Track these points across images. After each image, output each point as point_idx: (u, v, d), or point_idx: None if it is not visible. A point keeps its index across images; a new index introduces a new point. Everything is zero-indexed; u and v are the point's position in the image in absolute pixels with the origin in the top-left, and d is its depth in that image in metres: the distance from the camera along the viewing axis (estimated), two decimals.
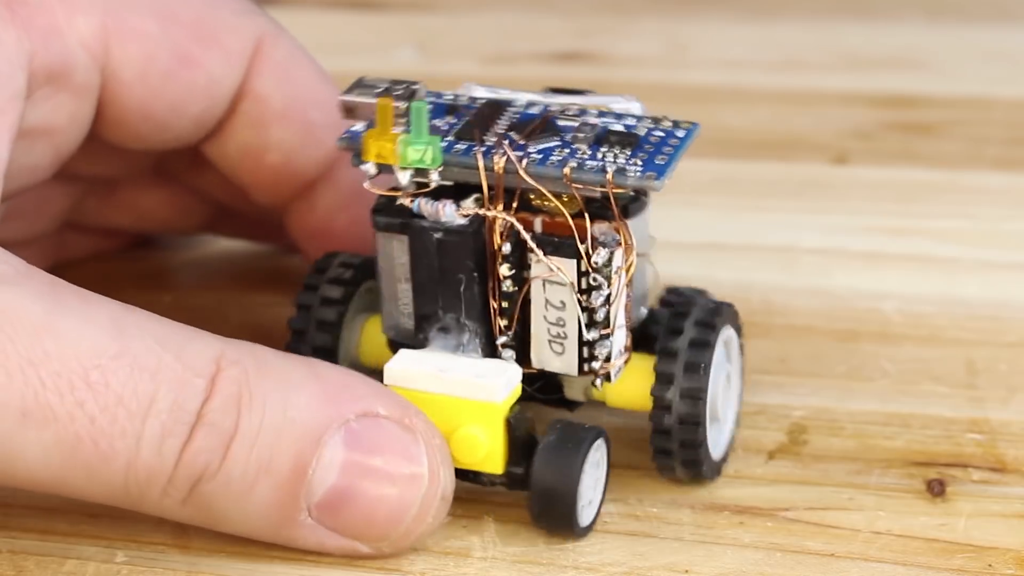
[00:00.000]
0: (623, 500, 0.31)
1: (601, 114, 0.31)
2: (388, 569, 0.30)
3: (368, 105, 0.30)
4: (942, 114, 0.51)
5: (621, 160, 0.29)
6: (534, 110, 0.31)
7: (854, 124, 0.50)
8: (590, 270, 0.29)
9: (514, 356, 0.30)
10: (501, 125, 0.30)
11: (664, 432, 0.31)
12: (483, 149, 0.29)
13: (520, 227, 0.29)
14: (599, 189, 0.29)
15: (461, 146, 0.30)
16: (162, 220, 0.40)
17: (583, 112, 0.31)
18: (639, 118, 0.31)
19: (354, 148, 0.30)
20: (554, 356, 0.31)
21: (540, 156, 0.29)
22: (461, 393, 0.29)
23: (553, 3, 0.63)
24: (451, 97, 0.32)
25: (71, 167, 0.35)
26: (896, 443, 0.33)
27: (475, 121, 0.30)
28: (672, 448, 0.31)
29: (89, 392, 0.27)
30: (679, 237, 0.42)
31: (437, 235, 0.29)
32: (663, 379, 0.31)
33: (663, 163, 0.29)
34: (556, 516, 0.30)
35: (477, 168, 0.29)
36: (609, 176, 0.29)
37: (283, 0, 0.62)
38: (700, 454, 0.31)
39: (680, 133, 0.30)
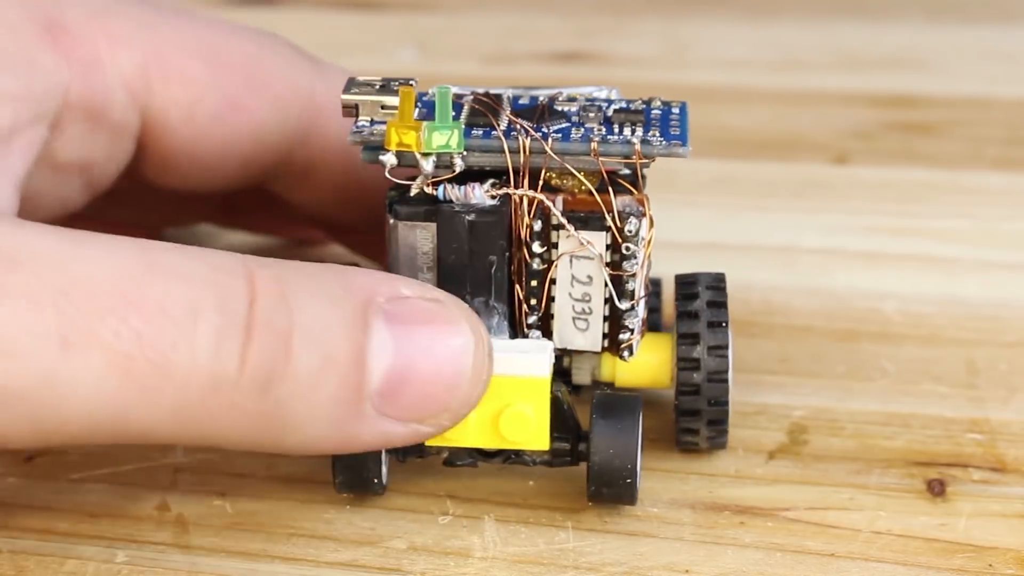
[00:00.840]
0: None
1: (590, 100, 0.31)
2: (389, 569, 0.30)
3: (373, 102, 0.30)
4: (942, 114, 0.51)
5: (640, 133, 0.30)
6: (523, 101, 0.31)
7: (854, 124, 0.51)
8: (621, 241, 0.30)
9: (540, 336, 0.31)
10: (503, 113, 0.30)
11: (692, 392, 0.31)
12: (503, 131, 0.30)
13: (550, 203, 0.29)
14: (626, 161, 0.29)
15: (478, 131, 0.30)
16: (167, 214, 0.40)
17: (573, 99, 0.31)
18: (629, 101, 0.31)
19: (365, 142, 0.30)
20: (577, 333, 0.31)
21: (560, 135, 0.30)
22: (507, 371, 0.29)
23: (553, 3, 0.63)
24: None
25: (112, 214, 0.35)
26: (896, 443, 0.33)
27: (479, 110, 0.30)
28: (700, 408, 0.31)
29: (130, 307, 0.26)
30: (679, 237, 0.42)
31: (469, 217, 0.29)
32: (689, 338, 0.31)
33: (679, 133, 0.30)
34: (619, 486, 0.30)
35: (501, 150, 0.29)
36: (637, 147, 0.29)
37: (283, 0, 0.62)
38: (727, 412, 0.32)
39: (676, 110, 0.31)
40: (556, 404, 0.30)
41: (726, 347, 0.31)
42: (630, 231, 0.30)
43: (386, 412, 0.28)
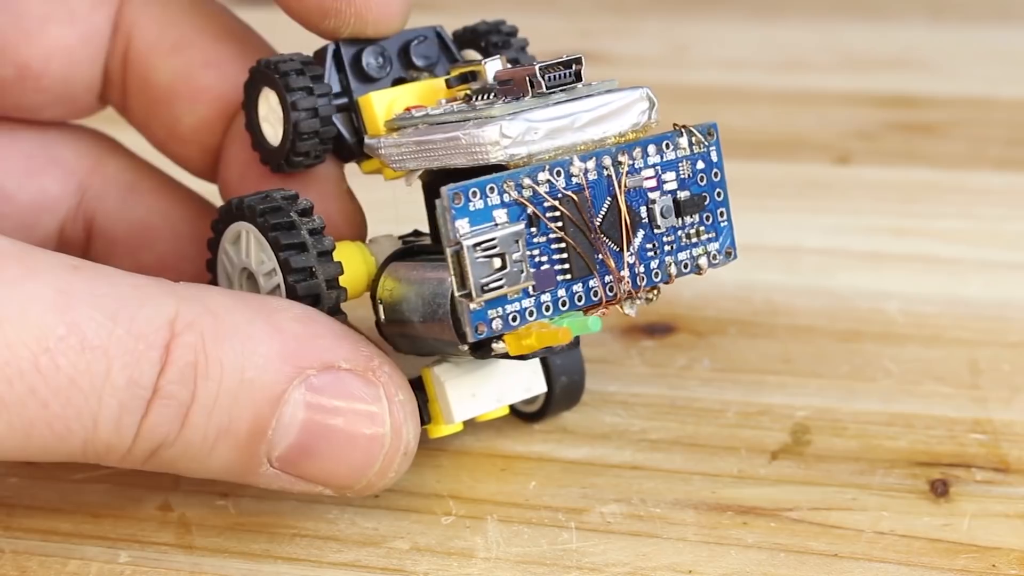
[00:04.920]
0: (626, 501, 0.31)
1: (645, 157, 0.29)
2: (392, 569, 0.30)
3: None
4: (944, 114, 0.51)
5: (704, 238, 0.30)
6: (592, 176, 0.29)
7: (856, 124, 0.51)
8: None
9: None
10: (592, 229, 0.29)
11: None
12: (603, 287, 0.29)
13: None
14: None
15: (579, 288, 0.29)
16: None
17: (633, 166, 0.29)
18: (673, 142, 0.30)
19: (478, 346, 0.29)
20: None
21: (644, 270, 0.29)
22: (515, 399, 0.32)
23: (554, 3, 0.63)
24: (516, 185, 0.28)
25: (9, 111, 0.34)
26: (899, 443, 0.33)
27: (576, 244, 0.29)
28: None
29: (39, 377, 0.26)
30: None
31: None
32: None
33: (726, 226, 0.31)
34: (574, 396, 0.34)
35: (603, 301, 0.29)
36: (704, 270, 0.30)
37: None
38: None
39: (714, 156, 0.30)
40: None
41: None
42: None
43: (287, 472, 0.28)
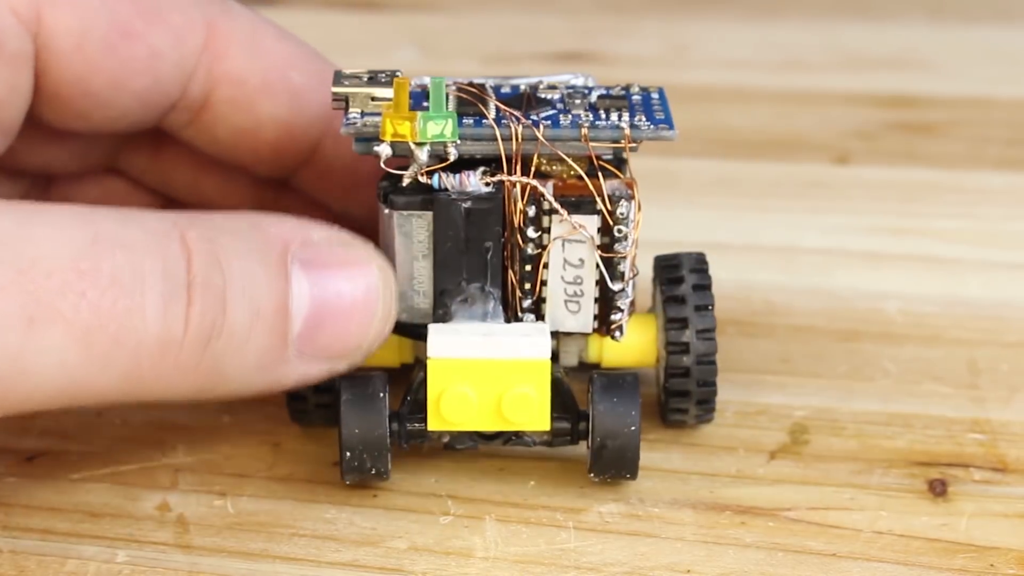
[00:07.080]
0: (624, 500, 0.31)
1: (570, 87, 0.32)
2: (390, 569, 0.30)
3: (364, 94, 0.31)
4: (944, 114, 0.51)
5: (627, 118, 0.31)
6: (506, 90, 0.32)
7: (856, 124, 0.51)
8: (612, 223, 0.30)
9: (534, 319, 0.32)
10: (490, 101, 0.31)
11: (682, 374, 0.32)
12: (494, 119, 0.30)
13: (543, 188, 0.30)
14: (615, 145, 0.30)
15: (469, 120, 0.30)
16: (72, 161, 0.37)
17: (554, 87, 0.32)
18: (608, 88, 0.32)
19: (359, 134, 0.30)
20: (569, 316, 0.32)
21: (549, 122, 0.30)
22: (509, 355, 0.30)
23: (553, 3, 0.63)
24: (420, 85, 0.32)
25: (18, 160, 0.34)
26: (898, 443, 0.33)
27: (466, 99, 0.31)
28: (690, 389, 0.32)
29: (85, 281, 0.27)
30: (680, 237, 0.42)
31: (465, 205, 0.30)
32: (677, 323, 0.32)
33: (664, 117, 0.31)
34: (623, 460, 0.31)
35: (493, 138, 0.30)
36: (626, 131, 0.30)
37: (283, 0, 0.62)
38: (715, 391, 0.33)
39: (655, 95, 0.32)
40: (556, 385, 0.31)
41: (713, 329, 0.32)
42: (621, 214, 0.30)
43: (306, 353, 0.30)
